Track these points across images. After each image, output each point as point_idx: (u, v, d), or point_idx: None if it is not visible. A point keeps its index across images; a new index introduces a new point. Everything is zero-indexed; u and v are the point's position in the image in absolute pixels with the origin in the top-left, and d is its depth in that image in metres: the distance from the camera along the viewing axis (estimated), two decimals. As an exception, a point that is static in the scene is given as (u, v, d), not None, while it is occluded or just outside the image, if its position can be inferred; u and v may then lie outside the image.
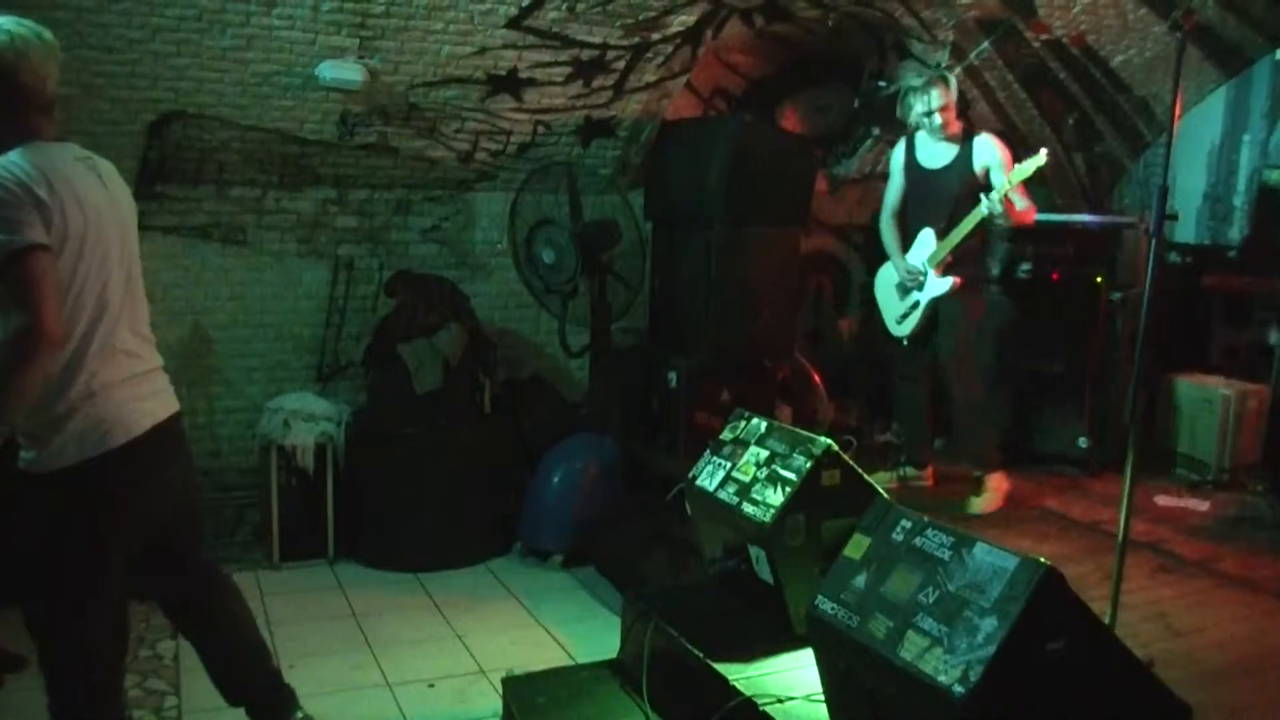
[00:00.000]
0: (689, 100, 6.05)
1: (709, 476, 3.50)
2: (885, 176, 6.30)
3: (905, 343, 5.11)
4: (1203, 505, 5.10)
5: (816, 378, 6.01)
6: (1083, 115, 6.91)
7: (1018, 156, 4.67)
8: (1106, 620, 2.92)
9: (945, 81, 4.82)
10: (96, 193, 2.67)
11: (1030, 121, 6.63)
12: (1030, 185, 4.66)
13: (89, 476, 2.62)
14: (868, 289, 6.23)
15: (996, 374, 5.36)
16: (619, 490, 5.35)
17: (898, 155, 5.13)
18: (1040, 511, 5.00)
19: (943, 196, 4.86)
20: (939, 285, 4.86)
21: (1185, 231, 7.17)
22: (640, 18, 5.06)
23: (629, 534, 4.94)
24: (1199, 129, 7.17)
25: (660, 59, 5.41)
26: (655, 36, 5.25)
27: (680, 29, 5.26)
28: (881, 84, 6.34)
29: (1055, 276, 5.80)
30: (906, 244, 5.05)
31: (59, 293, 2.49)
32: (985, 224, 4.74)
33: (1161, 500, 5.14)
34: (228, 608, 3.16)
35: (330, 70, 4.77)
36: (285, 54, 4.73)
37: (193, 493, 3.13)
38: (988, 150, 4.76)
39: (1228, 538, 4.63)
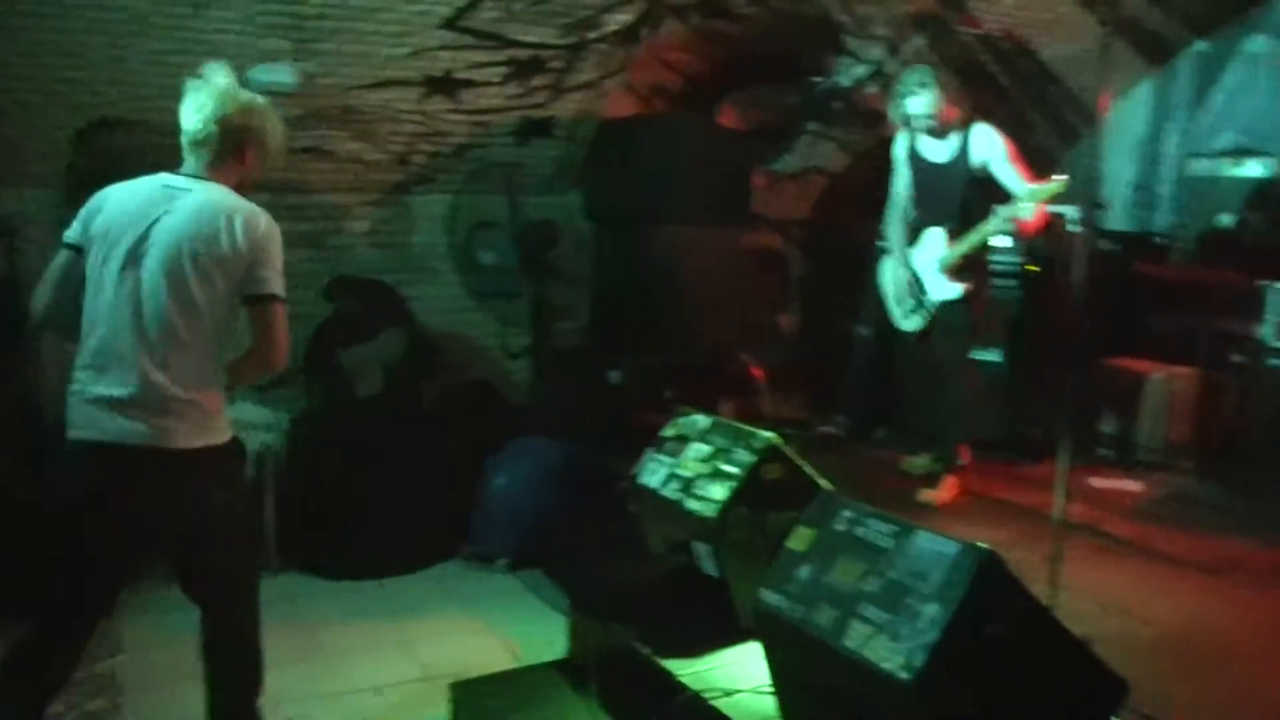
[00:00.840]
0: (627, 99, 6.06)
1: (653, 474, 3.51)
2: (822, 171, 6.35)
3: (904, 339, 5.12)
4: (1137, 486, 5.21)
5: (759, 372, 6.04)
6: (1015, 108, 7.02)
7: None
8: (1046, 602, 2.97)
9: (928, 84, 4.72)
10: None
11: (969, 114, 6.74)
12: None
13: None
14: (808, 283, 6.27)
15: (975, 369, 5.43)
16: (564, 491, 5.33)
17: (900, 148, 5.04)
18: (982, 498, 5.07)
19: (949, 192, 4.81)
20: (950, 289, 4.83)
21: (1116, 220, 7.31)
22: (577, 17, 5.06)
23: (574, 535, 4.93)
24: (1127, 120, 7.31)
25: (598, 58, 5.41)
26: (592, 36, 5.25)
27: (617, 28, 5.27)
28: (818, 80, 6.39)
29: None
30: (910, 242, 5.01)
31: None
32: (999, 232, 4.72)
33: (1098, 482, 5.24)
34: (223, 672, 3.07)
35: (264, 74, 4.71)
36: (218, 58, 4.65)
37: (193, 538, 2.92)
38: (987, 141, 4.70)
39: (1161, 517, 4.74)
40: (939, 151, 4.86)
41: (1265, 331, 5.12)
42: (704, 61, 6.27)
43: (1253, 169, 6.23)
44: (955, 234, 4.78)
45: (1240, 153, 6.37)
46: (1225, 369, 5.52)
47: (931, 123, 4.74)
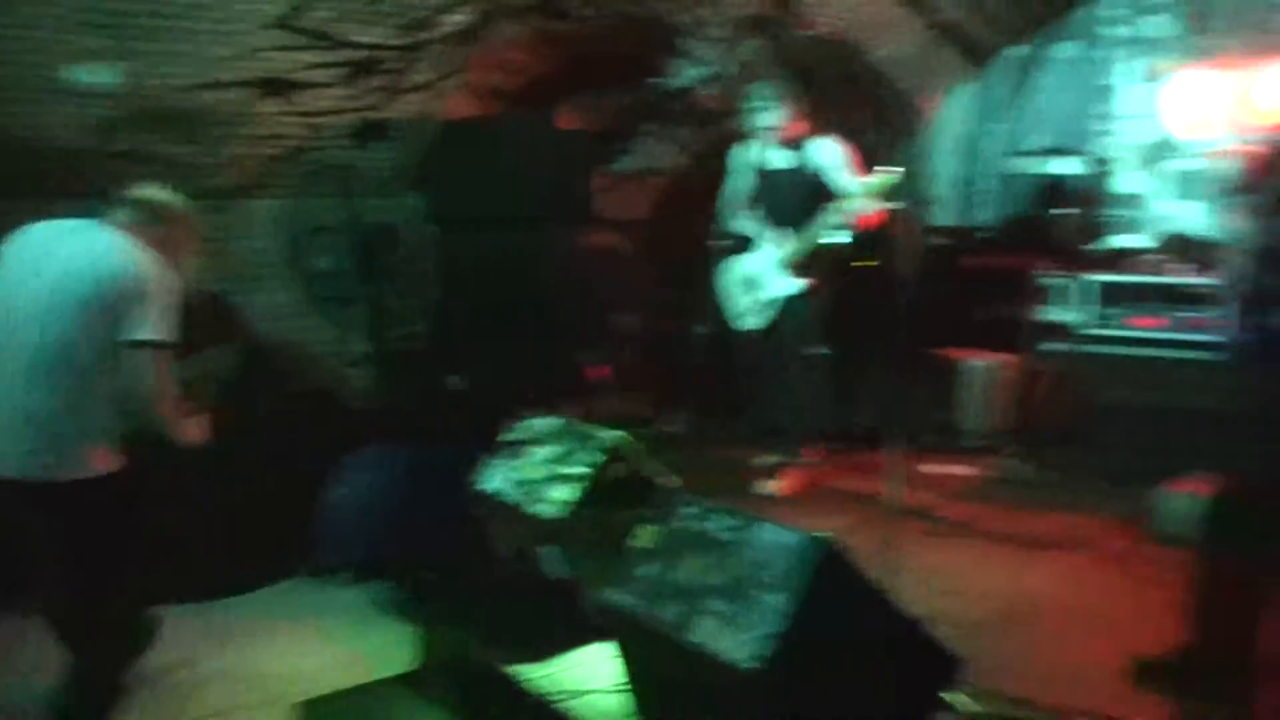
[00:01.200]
0: (467, 100, 6.00)
1: (499, 478, 3.49)
2: (661, 172, 6.44)
3: (754, 336, 5.27)
4: (966, 470, 5.45)
5: (604, 373, 6.07)
6: (849, 108, 7.24)
7: None
8: (884, 585, 3.08)
9: (775, 98, 5.01)
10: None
11: (803, 115, 6.91)
12: None
13: None
14: (650, 283, 6.33)
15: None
16: (408, 499, 5.24)
17: (743, 154, 5.26)
18: (820, 488, 5.22)
19: (791, 196, 5.03)
20: (791, 285, 5.03)
21: (942, 215, 7.62)
22: (412, 17, 4.98)
23: (421, 543, 4.86)
24: (952, 120, 7.64)
25: (435, 59, 5.35)
26: (429, 36, 5.18)
27: (454, 28, 5.22)
28: (657, 81, 6.45)
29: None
30: (752, 243, 5.21)
31: None
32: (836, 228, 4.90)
33: (929, 468, 5.46)
34: None
35: (83, 74, 4.48)
36: (32, 56, 4.41)
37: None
38: (830, 150, 4.97)
39: (987, 499, 4.98)
40: (783, 159, 5.09)
41: (1077, 319, 5.41)
42: (543, 63, 6.26)
43: (1065, 167, 6.60)
44: (796, 234, 4.98)
45: (1053, 151, 6.73)
46: (1044, 355, 5.83)
47: (774, 132, 5.01)
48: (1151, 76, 6.36)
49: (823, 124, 5.16)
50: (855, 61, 6.78)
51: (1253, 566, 3.04)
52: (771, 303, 5.11)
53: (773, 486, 5.08)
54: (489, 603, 3.54)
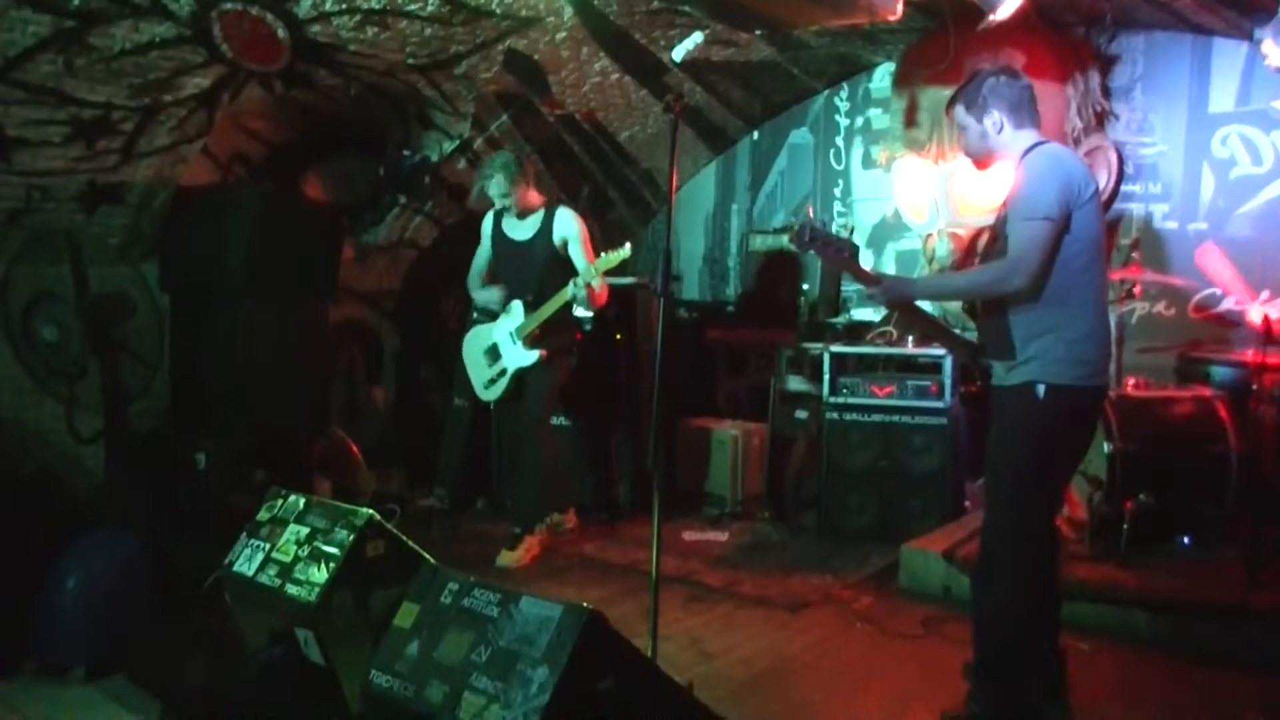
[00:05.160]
0: (206, 166, 5.74)
1: (247, 561, 3.31)
2: (412, 244, 6.40)
3: (493, 408, 5.32)
4: (722, 536, 5.60)
5: (354, 448, 5.90)
6: (596, 185, 7.44)
7: None
8: (648, 653, 3.11)
9: (506, 169, 5.06)
10: None
11: (549, 191, 7.04)
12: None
13: None
14: (402, 356, 6.22)
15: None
16: (146, 587, 4.88)
17: (487, 225, 5.35)
18: (580, 559, 5.23)
19: (529, 268, 5.13)
20: (527, 356, 5.08)
21: (690, 290, 7.93)
22: (149, 78, 4.75)
23: (161, 634, 4.52)
24: (696, 199, 8.00)
25: (173, 122, 5.10)
26: (167, 98, 4.95)
27: (195, 91, 5.00)
28: (406, 153, 6.41)
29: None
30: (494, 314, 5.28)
31: None
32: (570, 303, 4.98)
33: (687, 535, 5.58)
34: None
35: None
36: None
37: None
38: (567, 223, 5.09)
39: (744, 563, 5.13)
40: (522, 229, 5.20)
41: (822, 389, 5.72)
42: (288, 130, 6.10)
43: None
44: (532, 305, 5.09)
45: (787, 230, 7.13)
46: (791, 423, 6.12)
47: (508, 202, 5.11)
48: (876, 164, 6.89)
49: (565, 198, 5.31)
50: (603, 140, 6.99)
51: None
52: (509, 373, 5.17)
53: (509, 558, 5.05)
54: (240, 693, 3.31)
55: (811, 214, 7.04)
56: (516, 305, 5.16)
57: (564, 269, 5.04)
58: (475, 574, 2.74)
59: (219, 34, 4.78)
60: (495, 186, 5.08)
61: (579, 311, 5.16)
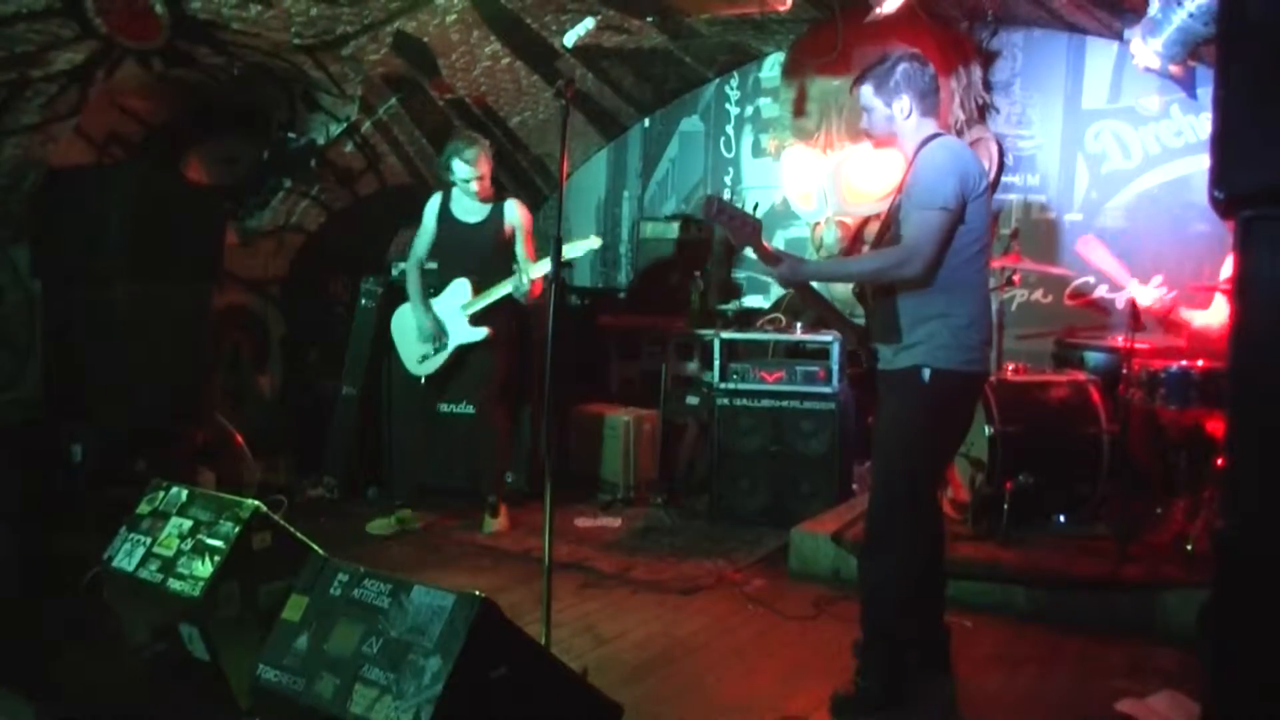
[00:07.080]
0: (80, 146, 5.50)
1: (127, 555, 3.21)
2: (299, 229, 6.26)
3: (423, 381, 5.38)
4: (616, 522, 5.61)
5: (239, 438, 5.75)
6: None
7: None
8: (542, 640, 3.10)
9: (485, 148, 5.27)
10: None
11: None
12: None
13: None
14: (287, 343, 6.07)
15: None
16: (19, 585, 4.69)
17: (433, 206, 5.42)
18: (473, 547, 5.19)
19: (475, 251, 5.33)
20: (472, 334, 5.23)
21: (582, 276, 7.91)
22: (16, 50, 4.54)
23: (35, 634, 4.35)
24: (588, 185, 7.98)
25: (43, 99, 4.89)
26: (36, 74, 4.74)
27: (66, 67, 4.80)
28: (291, 136, 6.26)
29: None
30: (436, 290, 5.40)
31: None
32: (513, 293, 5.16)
33: (580, 522, 5.58)
34: None
35: None
36: None
37: None
38: (517, 214, 5.36)
39: (638, 548, 5.15)
40: (473, 213, 5.37)
41: (711, 375, 5.77)
42: (167, 110, 5.89)
43: (692, 232, 7.05)
44: (479, 287, 5.23)
45: (678, 217, 7.18)
46: (683, 409, 6.16)
47: (473, 179, 5.23)
48: (766, 152, 6.97)
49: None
50: (494, 125, 6.92)
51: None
52: (449, 348, 5.30)
53: (496, 525, 5.37)
54: (121, 691, 3.21)
55: (726, 195, 7.14)
56: (461, 283, 5.29)
57: (507, 257, 5.30)
58: (367, 564, 2.71)
59: (92, 7, 4.60)
60: (468, 159, 5.18)
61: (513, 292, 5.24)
